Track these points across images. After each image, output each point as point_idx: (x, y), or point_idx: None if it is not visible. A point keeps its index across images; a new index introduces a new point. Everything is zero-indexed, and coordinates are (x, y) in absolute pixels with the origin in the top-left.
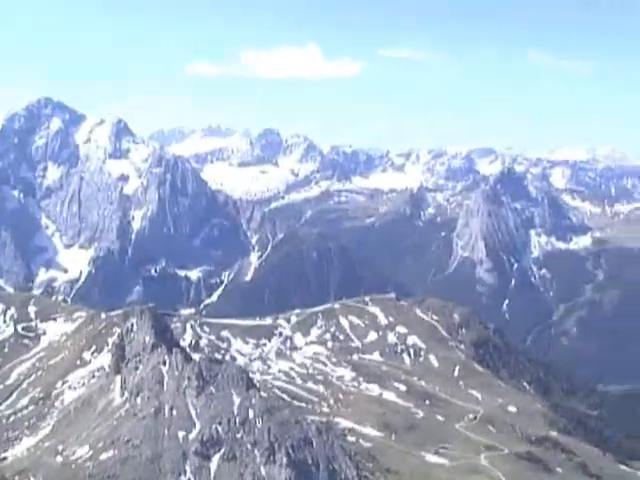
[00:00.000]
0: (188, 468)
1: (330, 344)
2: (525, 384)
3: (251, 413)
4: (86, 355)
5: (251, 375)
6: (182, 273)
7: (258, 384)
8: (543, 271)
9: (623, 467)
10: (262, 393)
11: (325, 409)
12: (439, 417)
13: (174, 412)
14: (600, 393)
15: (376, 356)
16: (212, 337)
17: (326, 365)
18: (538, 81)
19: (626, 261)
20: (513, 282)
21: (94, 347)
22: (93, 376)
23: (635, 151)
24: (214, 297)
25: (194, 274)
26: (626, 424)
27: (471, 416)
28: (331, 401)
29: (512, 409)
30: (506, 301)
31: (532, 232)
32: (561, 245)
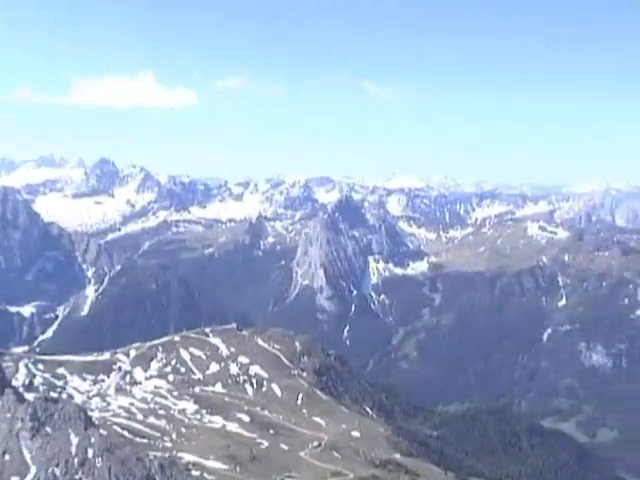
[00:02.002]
0: None
1: (171, 377)
2: (368, 409)
3: (90, 452)
4: None
5: (89, 413)
6: (14, 309)
7: (97, 422)
8: (382, 297)
9: None
10: (101, 431)
11: (168, 444)
12: (284, 446)
13: (7, 456)
14: (440, 414)
15: (218, 387)
16: (47, 375)
17: (167, 399)
18: (373, 111)
19: (461, 284)
20: (353, 309)
21: None
22: None
23: (467, 179)
24: (49, 333)
25: (27, 310)
26: (465, 442)
27: (315, 443)
28: (174, 435)
29: (356, 434)
30: (347, 327)
31: (370, 259)
32: (399, 271)
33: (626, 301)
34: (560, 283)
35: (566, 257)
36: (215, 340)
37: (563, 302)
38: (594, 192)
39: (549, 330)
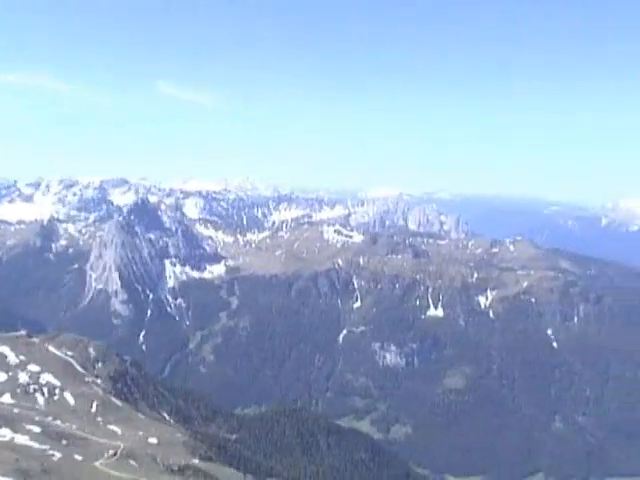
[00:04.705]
0: None
1: None
2: (165, 414)
3: None
4: None
5: None
6: None
7: None
8: (179, 300)
9: None
10: None
11: None
12: (77, 457)
13: None
14: (238, 417)
15: (6, 398)
16: None
17: None
18: (169, 113)
19: (258, 288)
20: (149, 313)
21: None
22: None
23: (264, 182)
24: None
25: None
26: (264, 444)
27: (111, 452)
28: None
29: (153, 441)
30: (143, 332)
31: (167, 262)
32: (195, 274)
33: (417, 302)
34: (355, 285)
35: (361, 260)
36: (2, 348)
37: (358, 304)
38: (388, 197)
39: (344, 331)
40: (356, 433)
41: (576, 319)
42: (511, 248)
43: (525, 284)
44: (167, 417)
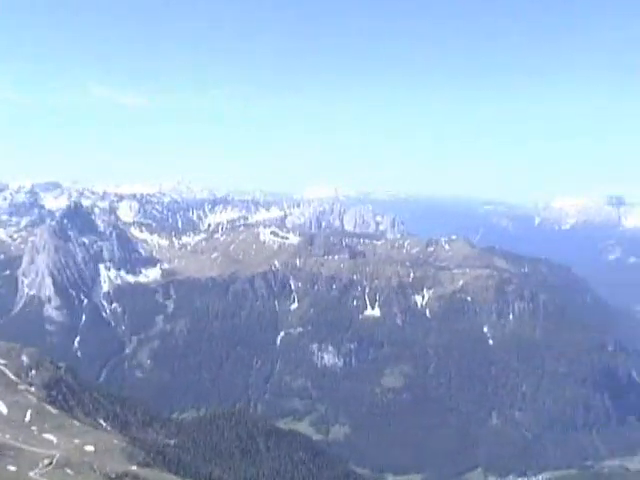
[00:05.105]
0: None
1: None
2: (102, 421)
3: None
4: None
5: None
6: None
7: None
8: (114, 305)
9: None
10: None
11: None
12: (11, 467)
13: None
14: (176, 421)
15: None
16: None
17: None
18: (100, 115)
19: (194, 291)
20: (84, 318)
21: None
22: None
23: (200, 184)
24: None
25: None
26: (202, 448)
27: (46, 461)
28: None
29: (89, 448)
30: (77, 338)
31: (101, 266)
32: (131, 278)
33: (354, 302)
34: (292, 287)
35: (297, 261)
36: None
37: (295, 305)
38: (324, 198)
39: (282, 333)
40: (295, 434)
41: (511, 316)
42: (447, 247)
43: (461, 283)
44: (104, 424)
